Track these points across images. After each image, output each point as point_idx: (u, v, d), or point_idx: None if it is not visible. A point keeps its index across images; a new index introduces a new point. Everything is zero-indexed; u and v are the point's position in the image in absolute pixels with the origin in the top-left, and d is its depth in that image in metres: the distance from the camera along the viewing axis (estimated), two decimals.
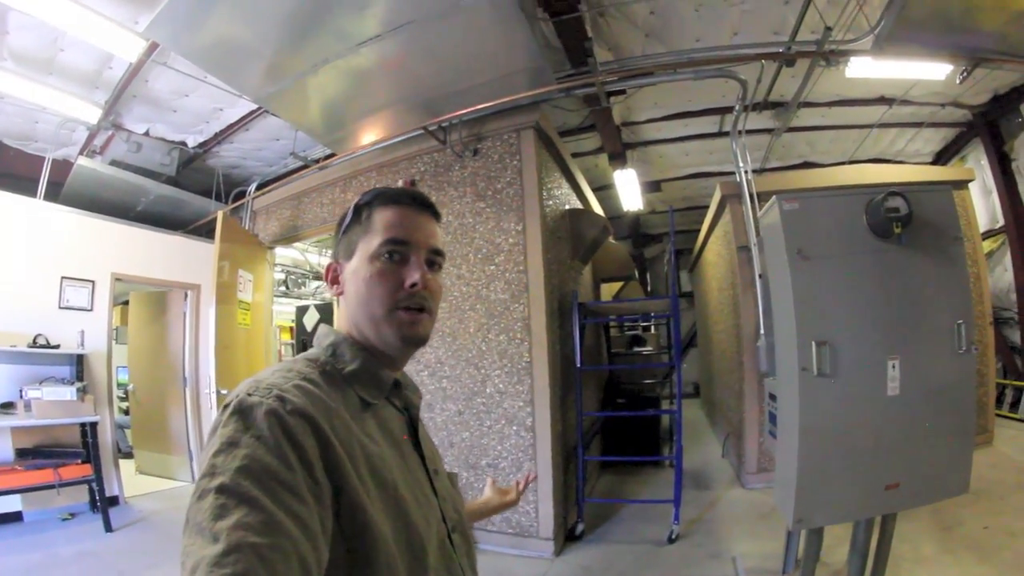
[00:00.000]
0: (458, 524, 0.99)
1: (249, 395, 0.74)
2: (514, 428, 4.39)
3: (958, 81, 5.46)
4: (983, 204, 7.75)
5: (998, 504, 4.32)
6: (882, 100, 6.49)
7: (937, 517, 4.09)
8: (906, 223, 2.61)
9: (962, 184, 6.54)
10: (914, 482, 2.70)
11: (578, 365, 4.89)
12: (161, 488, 6.42)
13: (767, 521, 4.47)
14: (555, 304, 4.80)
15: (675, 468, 4.68)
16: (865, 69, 4.95)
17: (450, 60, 4.00)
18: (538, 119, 4.64)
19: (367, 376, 0.91)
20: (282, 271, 8.83)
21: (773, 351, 3.09)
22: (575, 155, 6.44)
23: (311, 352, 0.94)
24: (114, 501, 5.51)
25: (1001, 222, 7.54)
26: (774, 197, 2.80)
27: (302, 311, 8.55)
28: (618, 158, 6.54)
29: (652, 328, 9.18)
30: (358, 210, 0.98)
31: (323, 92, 4.28)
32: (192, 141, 6.05)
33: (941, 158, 8.48)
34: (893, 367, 2.65)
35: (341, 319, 0.98)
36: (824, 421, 2.65)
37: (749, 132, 5.39)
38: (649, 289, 12.85)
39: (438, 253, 0.98)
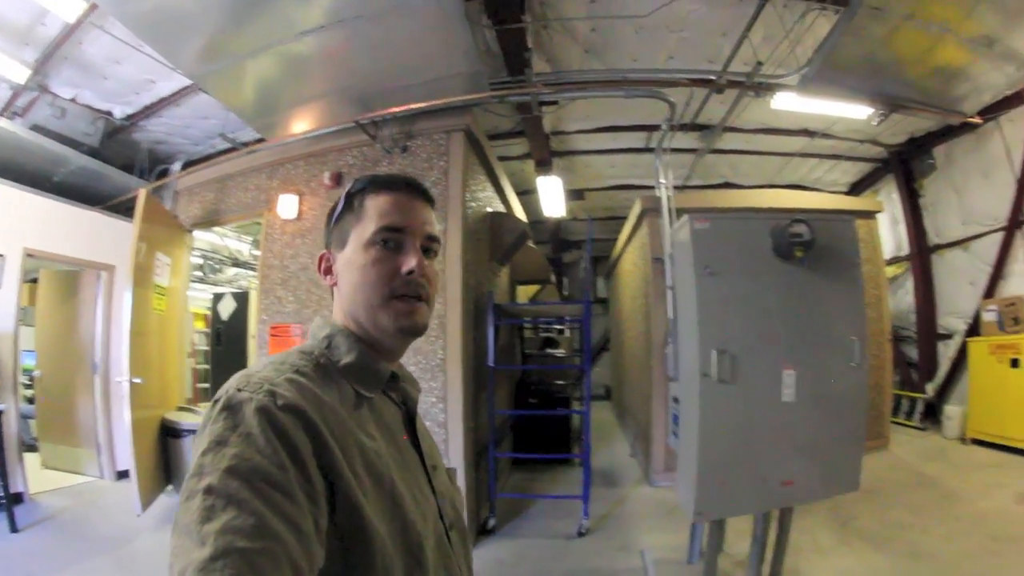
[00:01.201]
0: (456, 522, 0.97)
1: (239, 390, 0.72)
2: (427, 424, 4.41)
3: (875, 123, 5.94)
4: (890, 233, 8.64)
5: (891, 501, 4.83)
6: (805, 132, 7.00)
7: (835, 512, 4.52)
8: (808, 248, 2.85)
9: (872, 214, 7.23)
10: (808, 479, 2.96)
11: (491, 364, 5.02)
12: (69, 484, 5.97)
13: (673, 516, 4.70)
14: (471, 304, 4.88)
15: (584, 466, 4.89)
16: (790, 103, 5.29)
17: (390, 57, 4.01)
18: (469, 123, 4.74)
19: (363, 369, 0.89)
20: (200, 256, 8.34)
21: (678, 357, 3.33)
22: (502, 158, 6.54)
23: (306, 344, 0.92)
24: (19, 498, 5.11)
25: (906, 251, 8.45)
26: (686, 216, 3.00)
27: (218, 299, 8.11)
28: (544, 165, 6.64)
29: (566, 331, 9.39)
30: (350, 198, 0.95)
31: (260, 76, 4.20)
32: (119, 112, 5.74)
33: (855, 189, 9.25)
34: (788, 376, 2.88)
35: (336, 310, 0.96)
36: (723, 422, 2.87)
37: (674, 150, 5.61)
38: (565, 293, 13.12)
39: (433, 239, 0.96)
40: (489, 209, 5.88)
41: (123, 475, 5.69)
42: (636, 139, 6.81)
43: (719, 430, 2.87)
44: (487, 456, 4.96)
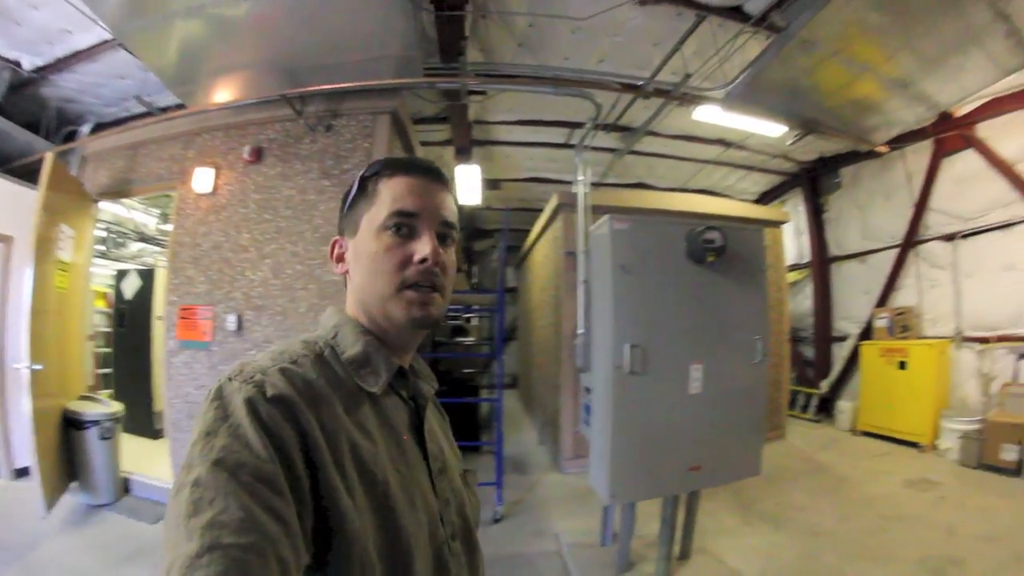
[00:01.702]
0: (460, 530, 0.91)
1: (230, 380, 0.71)
2: None
3: (789, 142, 6.48)
4: (793, 242, 9.44)
5: (789, 485, 5.27)
6: (721, 142, 7.39)
7: (738, 496, 4.84)
8: (719, 253, 3.06)
9: (778, 224, 7.82)
10: (714, 465, 3.20)
11: None
12: None
13: (584, 501, 4.87)
14: None
15: (496, 453, 4.97)
16: (712, 115, 5.59)
17: (324, 32, 3.91)
18: (397, 106, 4.70)
19: (367, 362, 0.85)
20: (103, 228, 7.49)
21: (590, 349, 3.47)
22: (423, 144, 6.51)
23: (313, 334, 0.89)
24: None
25: (807, 259, 9.30)
26: (607, 216, 3.12)
27: (121, 276, 7.42)
28: (464, 153, 6.61)
29: (474, 320, 9.42)
30: (364, 181, 0.90)
31: (187, 37, 3.95)
32: (29, 63, 5.13)
33: (764, 198, 9.94)
34: (696, 369, 3.09)
35: (348, 300, 0.92)
36: (635, 412, 3.04)
37: (594, 148, 5.76)
38: (475, 282, 13.06)
39: (450, 226, 0.91)
40: None
41: (22, 473, 5.13)
42: (557, 134, 6.88)
43: (631, 419, 3.03)
44: None
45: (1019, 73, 5.36)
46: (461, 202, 7.89)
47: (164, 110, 5.23)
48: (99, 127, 5.80)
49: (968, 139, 6.59)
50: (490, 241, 12.75)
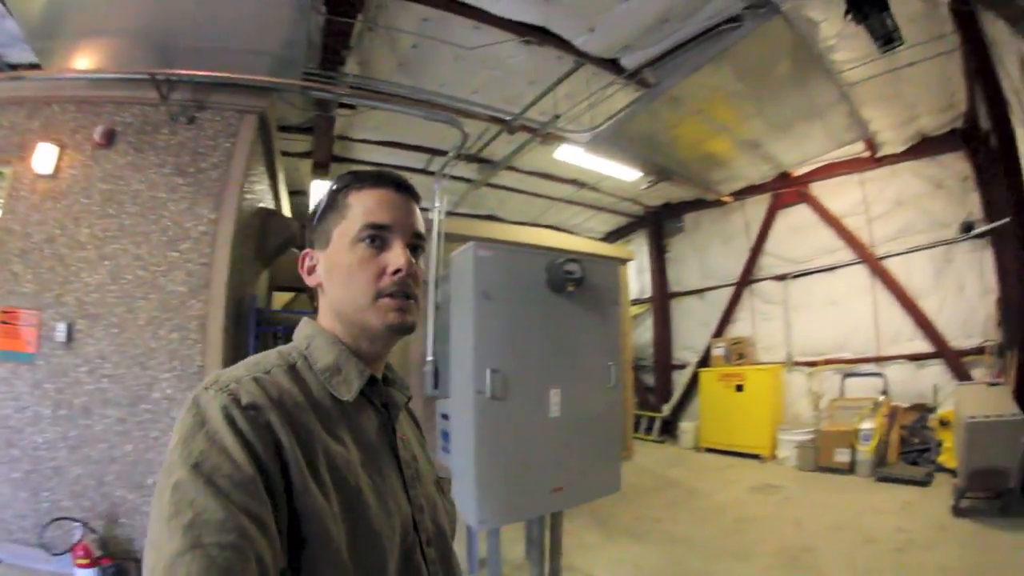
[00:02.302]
0: (435, 537, 0.92)
1: (206, 389, 0.73)
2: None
3: (643, 187, 7.23)
4: (636, 279, 10.56)
5: (644, 500, 5.63)
6: (575, 182, 7.91)
7: (596, 514, 5.05)
8: (578, 284, 3.24)
9: (623, 261, 8.53)
10: (575, 485, 3.31)
11: None
12: None
13: None
14: (233, 306, 4.39)
15: None
16: (572, 155, 5.96)
17: (209, 13, 3.64)
18: (266, 107, 4.43)
19: (340, 371, 0.86)
20: None
21: (439, 375, 3.55)
22: (283, 153, 6.19)
23: (287, 345, 0.89)
24: None
25: (648, 294, 10.52)
26: (471, 243, 3.17)
27: None
28: (323, 167, 6.30)
29: None
30: (334, 195, 0.92)
31: None
32: None
33: (610, 237, 10.86)
34: (555, 394, 3.22)
35: (322, 311, 0.93)
36: (497, 436, 3.07)
37: (452, 177, 5.80)
38: (316, 305, 12.56)
39: (421, 237, 0.93)
40: (261, 204, 5.42)
41: None
42: (417, 159, 6.83)
43: (494, 443, 3.06)
44: None
45: (851, 146, 6.68)
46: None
47: (13, 67, 4.42)
48: None
49: (802, 195, 7.91)
50: None
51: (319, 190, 6.16)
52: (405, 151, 6.60)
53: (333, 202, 0.92)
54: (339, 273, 0.88)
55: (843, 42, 4.62)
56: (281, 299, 7.99)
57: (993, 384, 4.92)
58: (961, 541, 4.08)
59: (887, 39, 3.64)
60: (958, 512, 4.51)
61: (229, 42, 3.90)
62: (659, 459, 7.77)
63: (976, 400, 4.56)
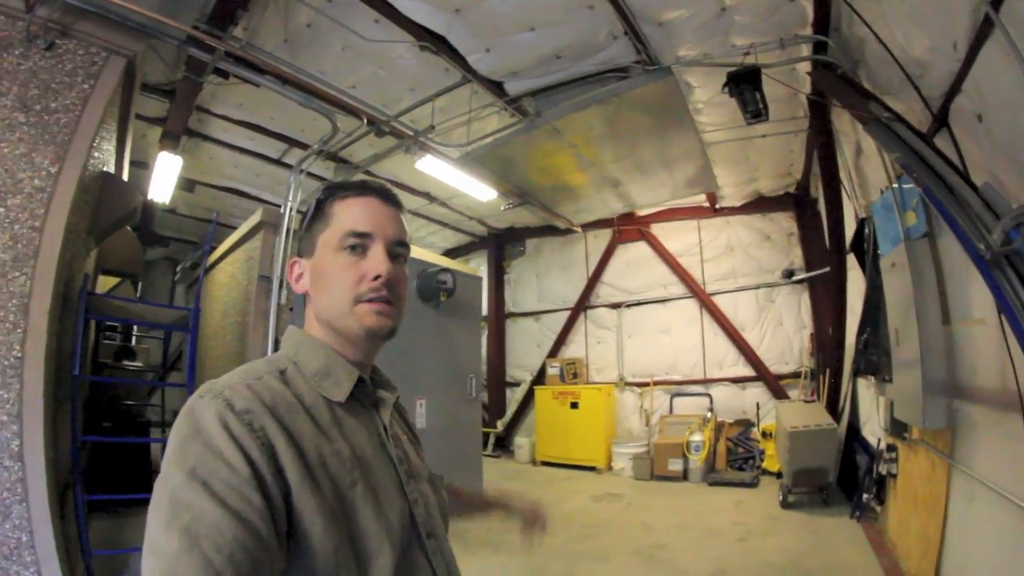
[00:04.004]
0: (434, 531, 0.94)
1: (200, 397, 0.74)
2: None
3: (504, 208, 7.55)
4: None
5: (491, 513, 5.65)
6: (427, 195, 7.95)
7: (450, 528, 4.90)
8: (450, 294, 3.28)
9: (479, 279, 8.67)
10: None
11: (75, 372, 3.75)
12: None
13: None
14: (63, 286, 3.48)
15: None
16: (434, 168, 5.92)
17: None
18: (138, 52, 3.65)
19: (329, 373, 0.89)
20: None
21: None
22: (136, 115, 5.05)
23: (275, 354, 0.92)
24: None
25: (484, 313, 10.54)
26: None
27: None
28: (173, 139, 5.46)
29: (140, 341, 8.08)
30: (319, 205, 0.95)
31: None
32: None
33: (451, 253, 10.89)
34: (421, 405, 3.20)
35: (308, 318, 0.96)
36: None
37: (308, 174, 5.52)
38: (139, 294, 10.98)
39: (402, 245, 0.95)
40: (105, 168, 4.40)
41: None
42: (273, 148, 6.33)
43: None
44: (72, 499, 3.59)
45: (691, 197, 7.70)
46: (150, 196, 6.29)
47: None
48: None
49: (643, 233, 8.84)
50: (163, 250, 10.43)
51: (164, 164, 5.55)
52: (264, 136, 6.02)
53: (319, 211, 0.95)
54: (322, 280, 0.91)
55: (710, 108, 5.36)
56: (105, 283, 6.63)
57: (809, 401, 6.11)
58: (792, 528, 4.86)
59: (756, 113, 4.14)
60: (786, 505, 5.39)
61: None
62: (498, 473, 7.93)
63: (795, 414, 5.42)
